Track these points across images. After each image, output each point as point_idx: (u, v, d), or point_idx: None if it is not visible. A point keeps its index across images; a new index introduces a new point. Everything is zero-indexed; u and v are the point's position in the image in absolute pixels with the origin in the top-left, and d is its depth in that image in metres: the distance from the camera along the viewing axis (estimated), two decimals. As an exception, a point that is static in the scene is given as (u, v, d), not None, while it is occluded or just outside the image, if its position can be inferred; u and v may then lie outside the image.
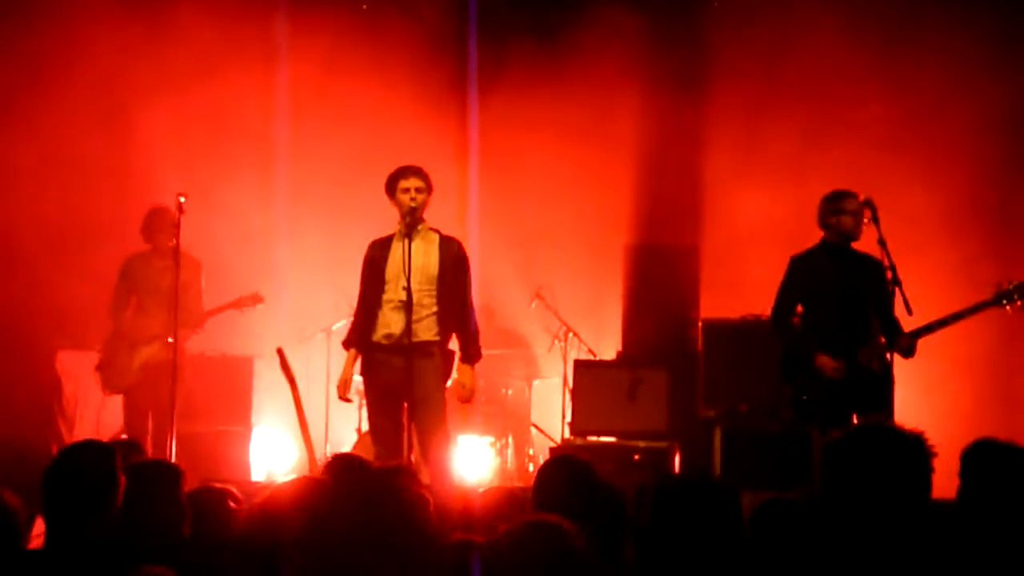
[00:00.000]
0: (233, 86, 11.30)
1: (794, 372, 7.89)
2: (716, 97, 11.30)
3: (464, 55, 11.27)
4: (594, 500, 4.80)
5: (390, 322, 7.59)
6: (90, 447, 4.43)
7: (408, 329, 7.45)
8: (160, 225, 9.21)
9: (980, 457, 5.17)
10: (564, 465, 5.07)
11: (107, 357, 9.32)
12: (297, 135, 11.66)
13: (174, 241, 8.73)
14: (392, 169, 7.76)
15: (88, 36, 10.96)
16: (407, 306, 7.45)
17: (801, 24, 11.15)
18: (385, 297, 7.63)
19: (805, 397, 7.81)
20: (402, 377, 7.49)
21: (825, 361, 7.68)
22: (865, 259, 7.80)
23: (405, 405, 7.55)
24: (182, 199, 8.44)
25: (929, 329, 7.61)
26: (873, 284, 7.70)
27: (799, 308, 8.00)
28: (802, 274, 7.92)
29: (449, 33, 11.80)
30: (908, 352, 7.62)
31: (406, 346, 7.46)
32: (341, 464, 5.31)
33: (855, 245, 7.89)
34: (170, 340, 8.82)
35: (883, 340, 7.69)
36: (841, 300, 7.77)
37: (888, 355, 7.68)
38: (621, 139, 11.44)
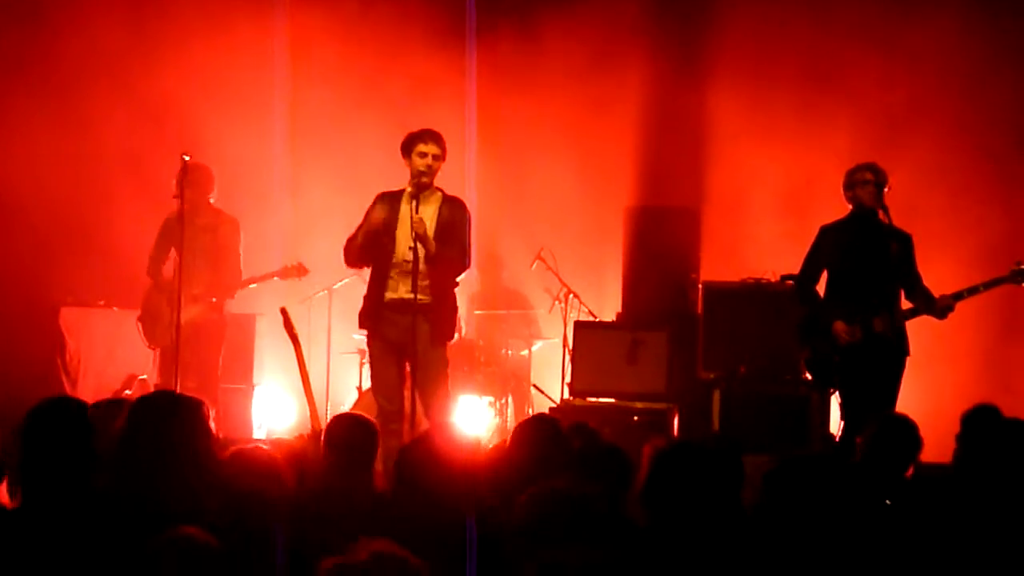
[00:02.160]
0: (233, 41, 11.29)
1: (812, 336, 8.04)
2: (719, 59, 11.28)
3: (463, 13, 11.21)
4: (597, 460, 4.92)
5: (398, 284, 7.76)
6: (60, 403, 4.44)
7: (414, 290, 7.60)
8: (199, 183, 9.18)
9: (979, 420, 5.28)
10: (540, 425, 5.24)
11: (149, 311, 9.35)
12: (297, 93, 11.65)
13: (208, 199, 9.14)
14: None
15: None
16: (413, 269, 7.59)
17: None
18: (393, 259, 7.77)
19: (811, 358, 8.07)
20: (406, 335, 7.67)
21: (840, 327, 7.86)
22: (892, 230, 7.91)
23: (408, 363, 7.78)
24: (186, 158, 8.44)
25: (962, 295, 7.88)
26: (898, 255, 7.83)
27: (824, 275, 8.14)
28: (828, 243, 8.10)
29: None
30: (943, 313, 7.87)
31: (411, 306, 7.62)
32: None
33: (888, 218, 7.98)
34: (212, 300, 9.26)
35: (910, 306, 7.83)
36: (863, 269, 7.94)
37: (903, 324, 7.83)
38: (623, 100, 11.43)
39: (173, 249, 9.20)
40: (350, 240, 7.93)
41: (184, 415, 4.33)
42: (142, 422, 4.34)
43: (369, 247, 7.85)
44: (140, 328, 9.47)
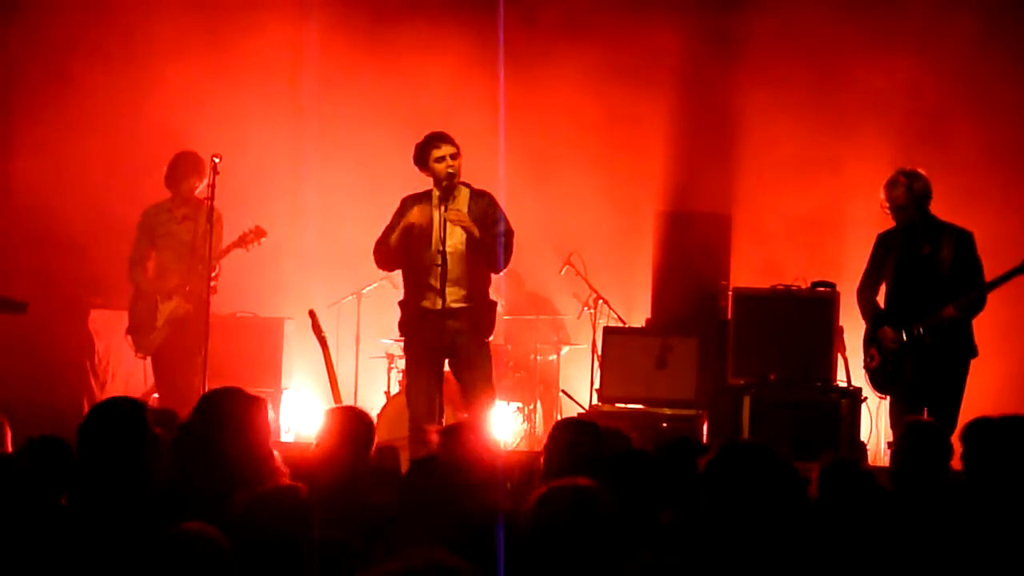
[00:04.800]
0: (261, 40, 11.31)
1: (870, 344, 8.12)
2: (749, 64, 11.24)
3: (492, 16, 11.13)
4: (620, 463, 4.88)
5: (432, 289, 7.68)
6: (120, 402, 4.50)
7: (445, 295, 7.62)
8: (186, 172, 9.02)
9: (978, 434, 5.20)
10: (573, 428, 5.18)
11: (137, 320, 9.15)
12: (326, 95, 11.67)
13: (205, 194, 8.70)
14: (419, 136, 7.78)
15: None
16: (443, 274, 7.60)
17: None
18: (425, 264, 7.70)
19: (868, 367, 8.10)
20: (445, 340, 7.67)
21: (885, 333, 7.93)
22: (950, 230, 7.87)
23: (446, 369, 7.82)
24: (216, 160, 8.42)
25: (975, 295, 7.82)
26: (954, 256, 7.78)
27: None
28: (884, 250, 8.12)
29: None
30: (959, 312, 7.77)
31: (449, 311, 7.63)
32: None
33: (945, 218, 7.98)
34: (186, 288, 8.91)
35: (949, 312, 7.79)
36: (914, 274, 7.92)
37: (953, 325, 7.80)
38: (654, 105, 11.39)
39: (154, 249, 9.10)
40: (380, 243, 7.84)
41: (249, 411, 4.38)
42: (209, 416, 4.41)
43: (403, 250, 7.77)
44: (130, 340, 9.22)
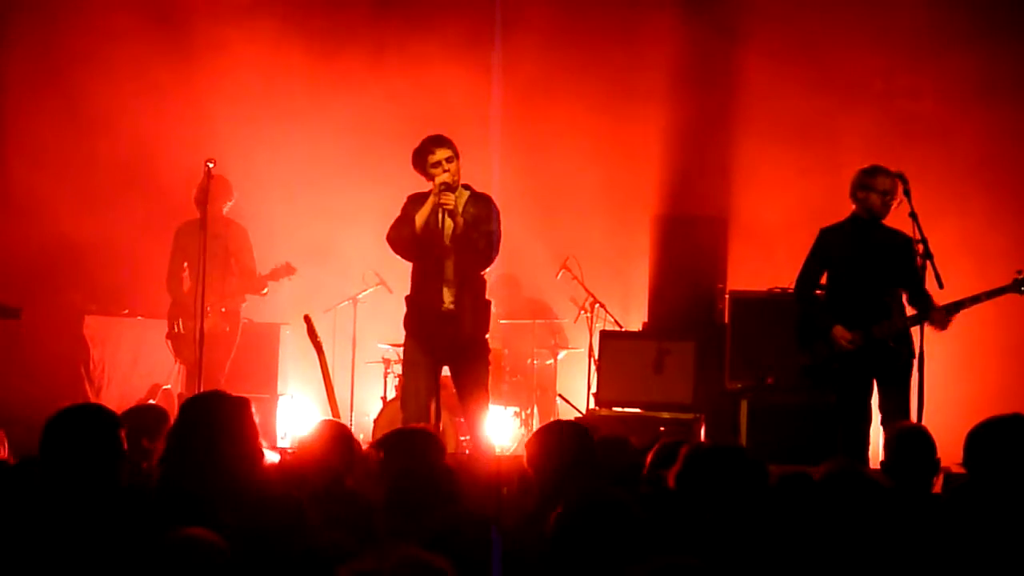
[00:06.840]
0: (256, 49, 11.30)
1: (811, 340, 7.88)
2: (747, 67, 11.23)
3: (490, 22, 11.14)
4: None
5: (434, 290, 7.64)
6: (88, 411, 4.47)
7: (443, 296, 7.60)
8: (216, 193, 9.11)
9: (982, 438, 5.12)
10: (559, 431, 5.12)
11: (174, 328, 9.33)
12: (316, 104, 11.66)
13: (222, 209, 9.14)
14: (416, 142, 7.72)
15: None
16: (442, 276, 7.58)
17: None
18: (429, 265, 7.67)
19: (810, 363, 7.85)
20: (443, 341, 7.60)
21: (840, 332, 7.69)
22: (894, 235, 7.76)
23: (440, 370, 7.74)
24: (210, 164, 8.41)
25: (961, 305, 7.64)
26: (899, 260, 7.68)
27: (824, 279, 7.99)
28: (829, 246, 7.92)
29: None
30: (943, 325, 7.64)
31: (447, 313, 7.59)
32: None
33: (887, 220, 7.85)
34: (222, 310, 9.24)
35: (913, 313, 7.70)
36: (863, 274, 7.76)
37: (905, 329, 7.69)
38: (650, 109, 11.38)
39: (186, 261, 9.25)
40: (401, 224, 7.67)
41: (232, 412, 4.51)
42: (193, 419, 4.53)
43: (415, 241, 7.66)
44: (170, 346, 9.43)
